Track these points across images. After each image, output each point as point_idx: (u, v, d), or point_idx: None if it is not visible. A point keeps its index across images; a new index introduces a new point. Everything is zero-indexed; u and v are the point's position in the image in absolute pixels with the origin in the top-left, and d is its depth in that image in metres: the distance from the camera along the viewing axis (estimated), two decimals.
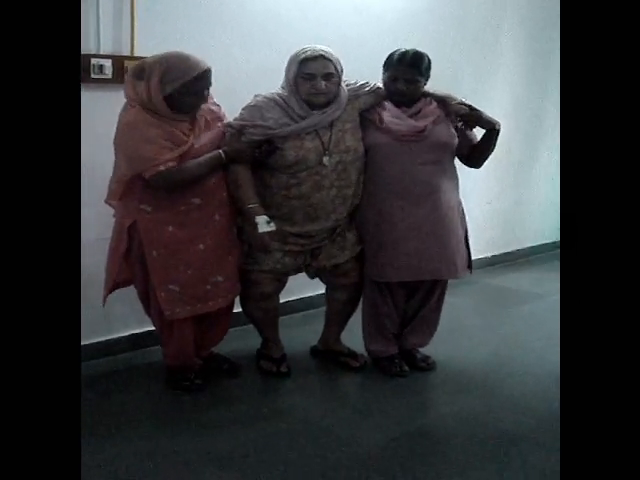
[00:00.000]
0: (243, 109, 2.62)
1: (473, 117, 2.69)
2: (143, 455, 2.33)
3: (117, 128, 2.44)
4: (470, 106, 2.69)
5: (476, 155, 2.83)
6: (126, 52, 2.81)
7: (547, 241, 5.21)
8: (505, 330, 3.64)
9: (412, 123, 2.69)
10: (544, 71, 4.65)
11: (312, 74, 2.51)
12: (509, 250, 4.95)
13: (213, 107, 2.60)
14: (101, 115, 2.78)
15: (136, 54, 2.81)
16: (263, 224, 2.52)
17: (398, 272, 2.78)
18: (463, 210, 2.92)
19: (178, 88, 2.36)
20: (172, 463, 2.28)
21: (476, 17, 4.20)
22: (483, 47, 4.31)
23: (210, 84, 2.46)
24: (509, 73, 4.57)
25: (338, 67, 2.57)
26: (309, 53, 2.51)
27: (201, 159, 2.47)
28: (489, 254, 4.66)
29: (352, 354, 3.04)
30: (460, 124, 2.74)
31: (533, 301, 4.15)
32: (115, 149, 2.47)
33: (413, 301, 2.99)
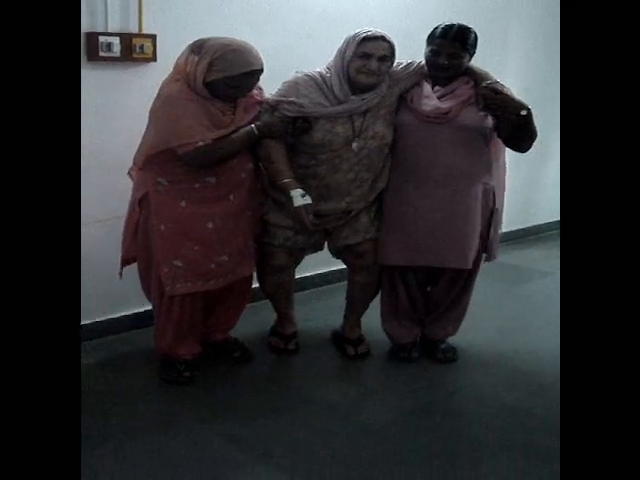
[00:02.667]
0: (283, 84, 2.61)
1: (496, 102, 2.49)
2: (153, 436, 2.37)
3: (157, 99, 2.43)
4: (495, 89, 2.50)
5: (513, 139, 2.63)
6: (134, 30, 2.80)
7: (556, 219, 5.20)
8: (512, 307, 3.66)
9: (436, 104, 2.57)
10: (555, 53, 4.59)
11: (369, 53, 2.47)
12: (518, 227, 4.95)
13: (255, 90, 2.57)
14: (109, 93, 2.80)
15: (144, 32, 2.80)
16: (298, 197, 2.49)
17: (408, 256, 2.73)
18: (494, 196, 2.75)
19: (221, 79, 2.36)
20: (183, 443, 2.32)
21: (485, 4, 4.17)
22: (494, 24, 4.26)
23: (257, 81, 2.47)
24: (520, 54, 4.52)
25: (394, 52, 2.54)
26: (370, 33, 2.47)
27: (234, 136, 2.46)
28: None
29: (356, 341, 3.00)
30: (481, 107, 2.55)
31: (540, 279, 4.16)
32: (150, 119, 2.46)
33: (435, 290, 2.93)
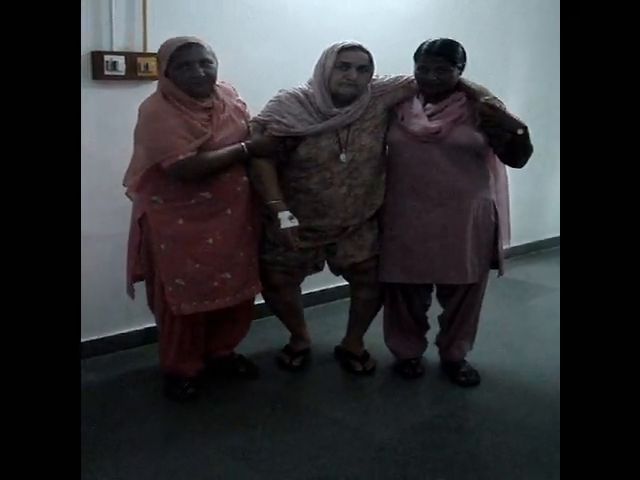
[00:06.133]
0: (268, 102, 2.62)
1: (493, 119, 2.49)
2: (157, 450, 2.37)
3: (138, 119, 2.46)
4: (493, 106, 2.49)
5: (508, 155, 2.64)
6: (139, 49, 2.84)
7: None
8: (518, 323, 3.64)
9: (425, 124, 2.57)
10: (555, 68, 4.60)
11: (348, 63, 2.51)
12: (524, 242, 4.95)
13: (238, 104, 2.59)
14: (115, 111, 2.83)
15: (149, 50, 2.84)
16: (285, 220, 2.49)
17: (407, 274, 2.73)
18: (495, 212, 2.74)
19: (168, 62, 2.37)
20: (188, 458, 2.31)
21: (486, 9, 4.21)
22: (494, 40, 4.30)
23: (203, 60, 2.39)
24: (522, 64, 4.56)
25: (373, 61, 2.56)
26: (347, 43, 2.52)
27: (222, 151, 2.46)
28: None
29: (362, 357, 3.01)
30: (478, 123, 2.54)
31: (547, 293, 4.14)
32: (134, 140, 2.48)
33: (445, 312, 2.92)
